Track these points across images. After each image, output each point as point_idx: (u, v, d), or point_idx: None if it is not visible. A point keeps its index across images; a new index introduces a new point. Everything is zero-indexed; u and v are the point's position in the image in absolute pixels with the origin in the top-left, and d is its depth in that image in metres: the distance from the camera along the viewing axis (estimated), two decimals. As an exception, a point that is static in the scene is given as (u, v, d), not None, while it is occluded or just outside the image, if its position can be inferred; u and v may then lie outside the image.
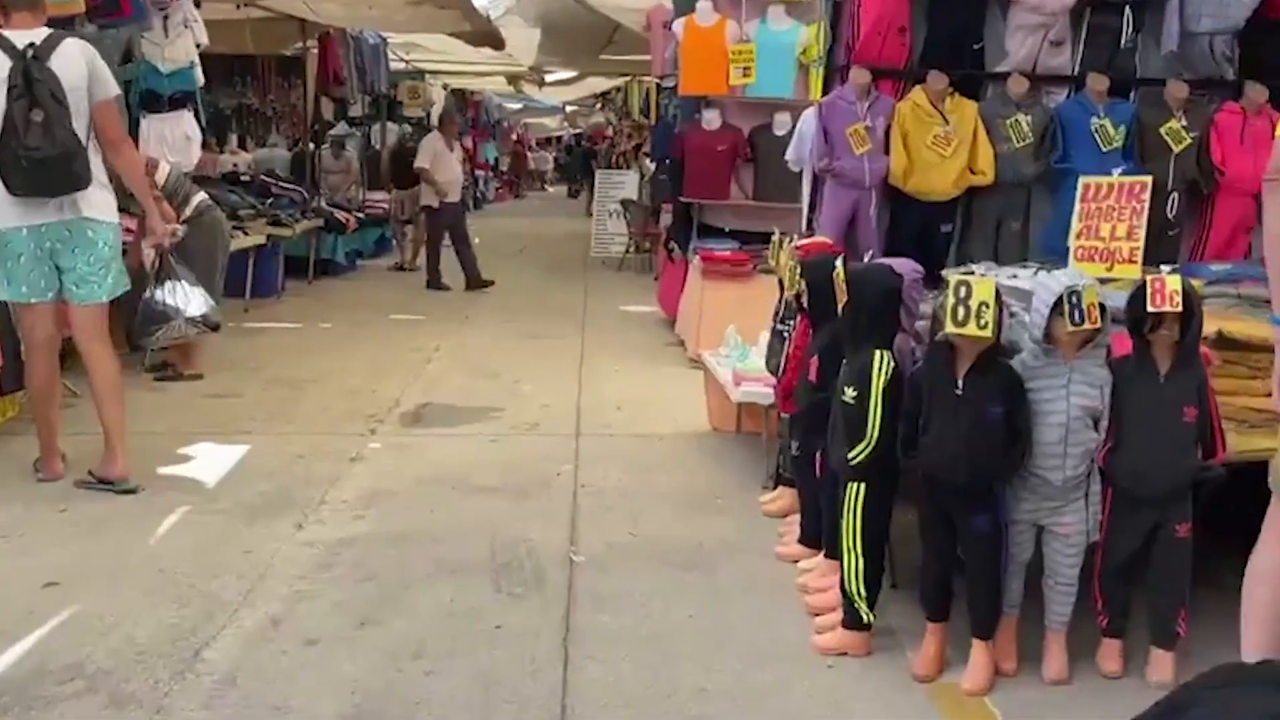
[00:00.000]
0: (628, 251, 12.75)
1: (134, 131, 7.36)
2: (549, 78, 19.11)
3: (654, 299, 9.91)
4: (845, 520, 3.06)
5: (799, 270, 3.49)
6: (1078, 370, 2.85)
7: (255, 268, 9.02)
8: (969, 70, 4.28)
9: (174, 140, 7.42)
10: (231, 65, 10.69)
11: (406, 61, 16.48)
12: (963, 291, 2.71)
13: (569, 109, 30.04)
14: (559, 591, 3.56)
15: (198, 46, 7.52)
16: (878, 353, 2.98)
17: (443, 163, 10.23)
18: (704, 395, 5.86)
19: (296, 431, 5.44)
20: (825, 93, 4.31)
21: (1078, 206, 3.58)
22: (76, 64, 4.21)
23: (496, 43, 10.90)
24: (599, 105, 25.40)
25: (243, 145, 13.04)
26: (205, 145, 9.31)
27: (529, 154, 31.42)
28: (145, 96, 7.39)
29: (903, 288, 3.05)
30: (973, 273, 2.76)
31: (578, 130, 31.94)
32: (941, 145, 4.14)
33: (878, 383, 2.95)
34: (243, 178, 11.03)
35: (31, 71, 4.09)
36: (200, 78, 7.55)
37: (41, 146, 4.06)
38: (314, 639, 3.20)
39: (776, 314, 4.23)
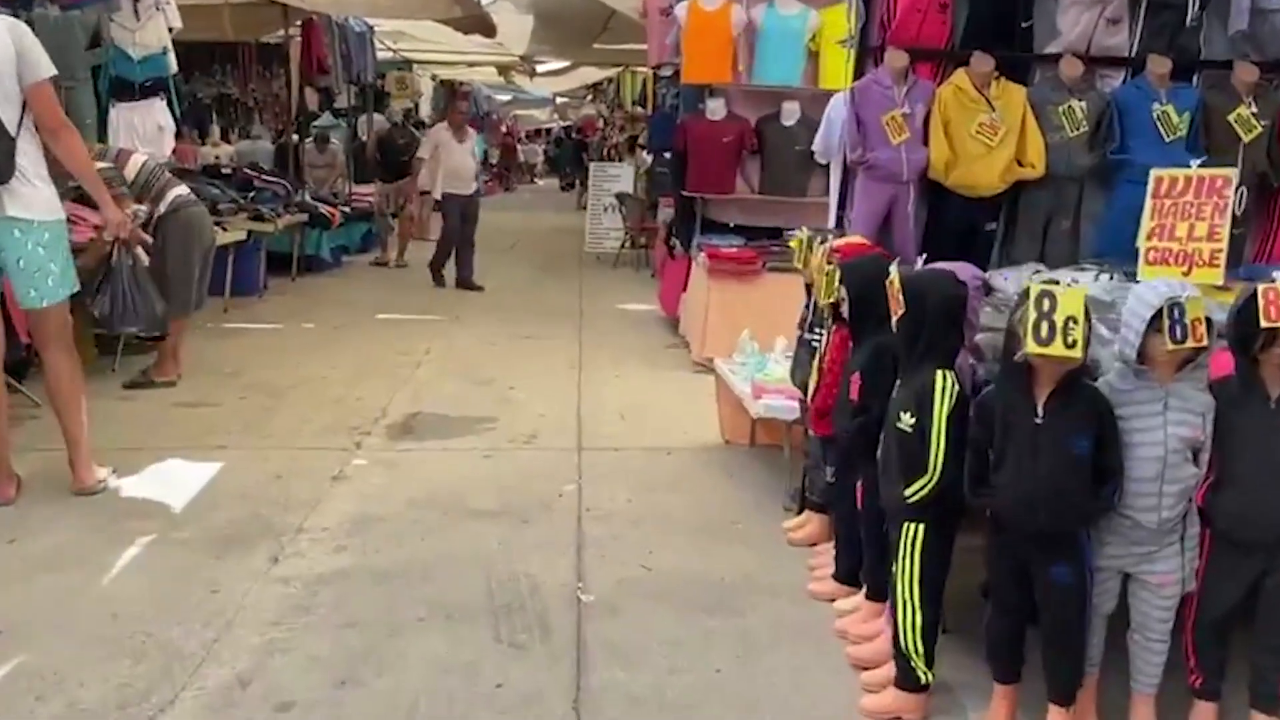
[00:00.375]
0: (623, 247, 12.33)
1: (103, 121, 6.93)
2: (540, 68, 18.64)
3: (652, 297, 9.50)
4: (901, 566, 2.66)
5: (838, 275, 3.07)
6: (1175, 395, 2.44)
7: (236, 265, 8.57)
8: (1017, 51, 3.87)
9: (146, 130, 6.98)
10: (211, 53, 10.22)
11: (394, 51, 16.01)
12: (1046, 304, 2.30)
13: (559, 100, 29.56)
14: (567, 640, 3.15)
15: (170, 31, 7.08)
16: (940, 373, 2.58)
17: (445, 154, 9.69)
18: (713, 403, 5.45)
19: (274, 446, 5.02)
20: (857, 76, 3.89)
21: (1149, 203, 3.17)
22: (1, 44, 3.77)
23: (488, 30, 10.45)
24: (590, 97, 24.97)
25: (225, 137, 12.57)
26: (182, 136, 8.87)
27: (519, 146, 30.93)
28: (115, 84, 6.94)
29: (968, 298, 2.64)
30: (1056, 282, 2.36)
31: (567, 122, 31.47)
32: (987, 134, 3.74)
33: (941, 408, 2.55)
34: (224, 170, 10.55)
35: None
36: (173, 64, 7.10)
37: None
38: (287, 702, 2.78)
39: (803, 322, 3.82)
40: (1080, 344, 2.30)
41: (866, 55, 3.88)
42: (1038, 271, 3.68)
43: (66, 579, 3.51)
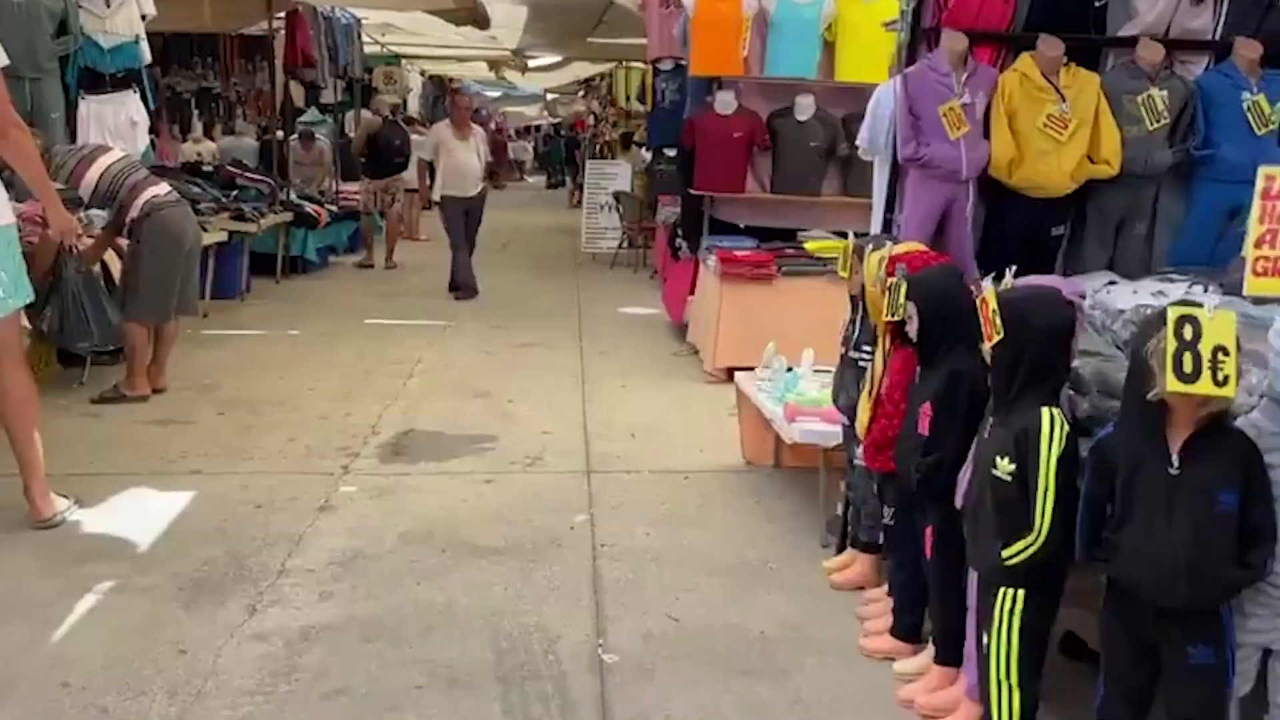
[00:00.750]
0: (621, 246, 11.89)
1: (72, 116, 6.46)
2: (532, 63, 18.18)
3: (654, 299, 9.08)
4: (996, 639, 2.23)
5: (905, 289, 2.65)
6: (1335, 438, 2.03)
7: (217, 267, 8.11)
8: (1089, 35, 3.45)
9: (117, 125, 6.50)
10: (190, 44, 9.71)
11: (381, 45, 15.52)
12: (1188, 332, 1.89)
13: (550, 97, 29.08)
14: (590, 713, 2.71)
15: (144, 18, 6.59)
16: (1047, 412, 2.16)
17: (445, 153, 9.13)
18: (730, 419, 5.04)
19: (255, 471, 4.56)
20: (909, 62, 3.46)
21: (1257, 205, 2.74)
22: None
23: (481, 21, 9.99)
24: (582, 93, 24.49)
25: (208, 133, 12.09)
26: (159, 132, 8.40)
27: (508, 144, 30.42)
28: (84, 75, 6.45)
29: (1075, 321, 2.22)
30: (1198, 304, 1.94)
31: (556, 119, 30.97)
32: (1056, 128, 3.31)
33: (1049, 455, 2.13)
34: (205, 168, 10.07)
35: None
36: (147, 54, 6.62)
37: None
38: (263, 799, 2.35)
39: (847, 338, 3.39)
40: (1232, 380, 1.88)
41: (919, 38, 3.45)
42: (1112, 283, 3.27)
43: (10, 635, 3.05)
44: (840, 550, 3.64)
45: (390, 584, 3.46)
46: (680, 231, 7.78)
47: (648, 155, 11.35)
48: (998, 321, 2.20)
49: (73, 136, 6.36)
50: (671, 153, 10.39)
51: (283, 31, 10.25)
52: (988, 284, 2.27)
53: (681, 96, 10.10)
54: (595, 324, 8.23)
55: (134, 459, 4.66)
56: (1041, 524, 2.13)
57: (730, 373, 6.28)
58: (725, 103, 6.86)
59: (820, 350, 4.33)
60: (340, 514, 4.11)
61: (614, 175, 12.60)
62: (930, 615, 2.79)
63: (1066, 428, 2.16)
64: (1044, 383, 2.19)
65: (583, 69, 20.10)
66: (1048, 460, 2.12)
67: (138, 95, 6.63)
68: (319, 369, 6.47)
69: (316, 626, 3.15)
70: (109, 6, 6.48)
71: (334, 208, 11.18)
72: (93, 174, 5.24)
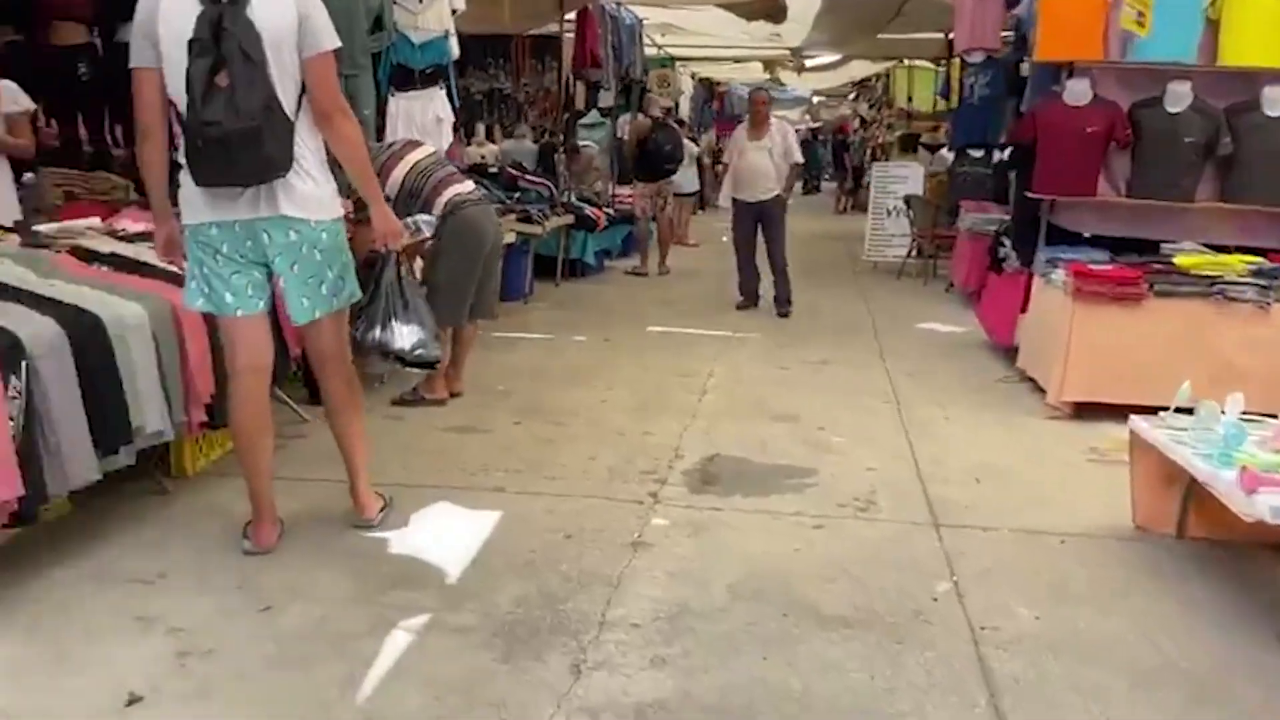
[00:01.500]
0: (909, 255, 11.00)
1: (381, 113, 6.44)
2: (809, 63, 17.48)
3: (952, 315, 8.23)
4: None
5: None
6: None
7: (504, 268, 7.99)
8: None
9: (424, 122, 6.45)
10: (484, 45, 9.75)
11: (659, 47, 15.34)
12: None
13: (816, 100, 28.23)
14: None
15: (454, 13, 6.49)
16: None
17: (737, 155, 8.61)
18: (1092, 466, 4.20)
19: (558, 492, 4.18)
20: None
21: None
22: (283, 8, 3.09)
23: (776, 14, 9.43)
24: (853, 95, 23.53)
25: (490, 136, 12.26)
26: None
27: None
28: (395, 72, 6.42)
29: None
30: None
31: (817, 123, 30.01)
32: None
33: None
34: (490, 170, 10.12)
35: (223, 20, 3.00)
36: (455, 49, 6.53)
37: (222, 120, 2.97)
38: None
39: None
40: None
41: None
42: None
43: (326, 674, 2.74)
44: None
45: (728, 653, 2.91)
46: (1007, 241, 6.86)
47: (948, 156, 10.41)
48: None
49: (379, 135, 6.33)
50: (978, 154, 9.46)
51: (572, 31, 10.15)
52: None
53: (992, 91, 9.15)
54: (894, 341, 7.47)
55: (435, 469, 4.40)
56: None
57: (1077, 408, 5.39)
58: (1078, 92, 5.91)
59: (1214, 391, 3.41)
60: (656, 553, 3.62)
61: (904, 178, 11.69)
62: None
63: None
64: None
65: (859, 69, 19.23)
66: None
67: (444, 92, 6.54)
68: (609, 378, 6.11)
69: (652, 704, 2.64)
70: (421, 2, 6.41)
71: (610, 210, 11.01)
72: (400, 170, 5.09)
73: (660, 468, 4.52)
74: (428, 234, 4.85)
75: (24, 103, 4.93)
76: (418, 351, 3.80)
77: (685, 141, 12.31)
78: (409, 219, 4.61)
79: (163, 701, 2.60)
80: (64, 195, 4.87)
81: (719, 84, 22.53)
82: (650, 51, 14.71)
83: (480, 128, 11.81)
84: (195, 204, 3.21)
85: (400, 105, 6.44)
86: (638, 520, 3.90)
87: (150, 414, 3.50)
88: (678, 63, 17.16)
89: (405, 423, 5.11)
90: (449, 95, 6.59)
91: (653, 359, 6.69)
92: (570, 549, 3.62)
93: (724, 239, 11.15)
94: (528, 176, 9.87)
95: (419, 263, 5.56)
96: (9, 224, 4.30)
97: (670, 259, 11.13)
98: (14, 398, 2.95)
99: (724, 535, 3.81)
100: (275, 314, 3.57)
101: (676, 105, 17.52)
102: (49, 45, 5.60)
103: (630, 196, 11.48)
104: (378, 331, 3.75)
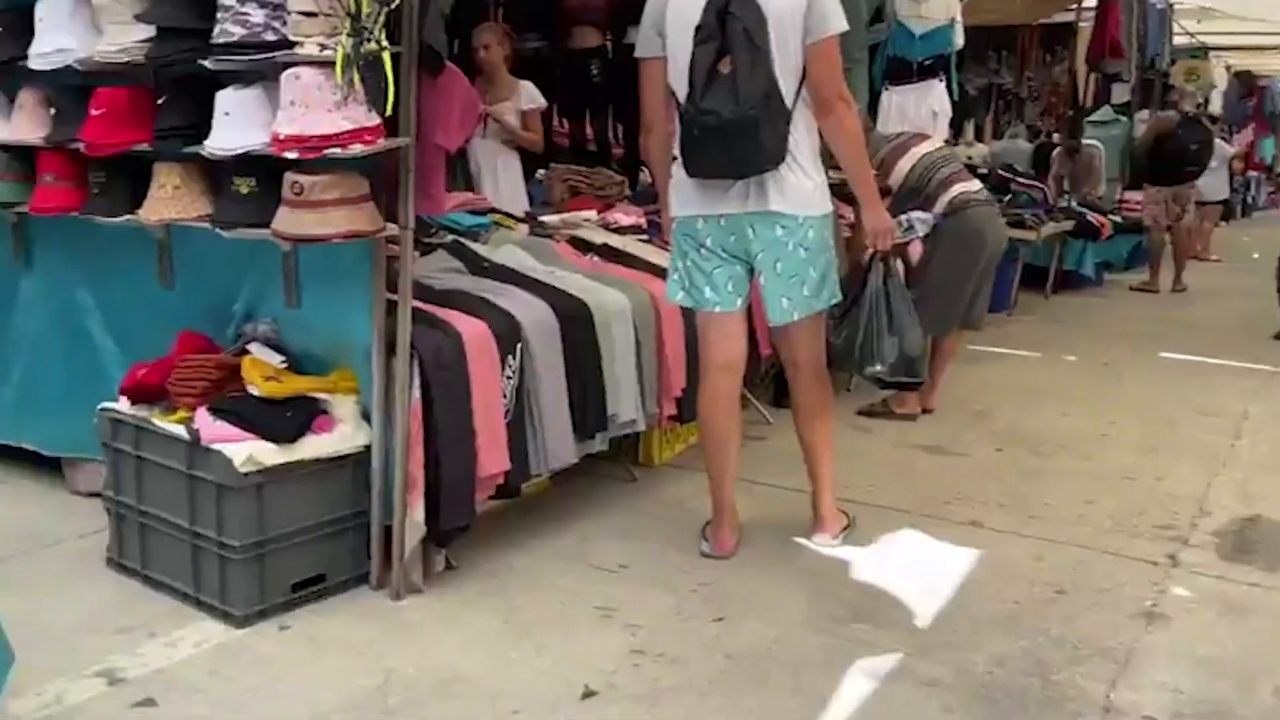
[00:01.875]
0: None
1: (873, 106, 6.15)
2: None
3: None
4: None
5: None
6: None
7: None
8: None
9: (917, 116, 6.06)
10: (987, 36, 9.07)
11: (1191, 35, 13.40)
12: None
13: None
14: None
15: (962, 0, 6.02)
16: None
17: None
18: None
19: (1046, 536, 3.59)
20: None
21: None
22: None
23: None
24: None
25: (979, 136, 11.50)
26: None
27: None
28: (891, 64, 6.10)
29: None
30: None
31: None
32: None
33: None
34: (980, 171, 9.42)
35: (730, 6, 2.87)
36: (960, 37, 6.04)
37: (720, 109, 2.84)
38: None
39: None
40: None
41: None
42: None
43: (769, 708, 2.49)
44: None
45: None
46: None
47: None
48: None
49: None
50: None
51: (1090, 20, 9.11)
52: None
53: None
54: None
55: (904, 492, 4.00)
56: None
57: None
58: None
59: None
60: (1176, 631, 2.93)
61: None
62: None
63: None
64: None
65: None
66: None
67: (942, 85, 6.10)
68: (1109, 409, 5.27)
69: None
70: (926, -10, 6.03)
71: (1117, 218, 9.77)
72: (905, 163, 4.75)
73: (1180, 524, 3.73)
74: (920, 234, 4.47)
75: (538, 101, 5.35)
76: (898, 372, 3.45)
77: (1217, 142, 10.62)
78: (901, 216, 4.27)
79: (616, 700, 2.53)
80: (569, 190, 5.20)
81: (1257, 77, 19.34)
82: (1180, 40, 12.88)
83: (969, 127, 11.12)
84: (685, 196, 3.16)
85: (893, 99, 6.12)
86: (1151, 586, 3.21)
87: (625, 403, 3.52)
88: (1210, 53, 14.92)
89: (872, 436, 4.77)
90: (948, 88, 6.13)
91: (1164, 391, 5.70)
92: (1062, 607, 3.05)
93: (1254, 255, 9.42)
94: (1019, 179, 9.08)
95: (899, 264, 5.19)
96: (520, 214, 4.63)
97: (1187, 275, 9.64)
98: (509, 378, 3.08)
99: (1267, 621, 3.00)
100: (750, 311, 3.42)
101: (1206, 101, 15.29)
102: (567, 49, 6.04)
103: (1139, 203, 10.09)
104: (858, 343, 3.45)
